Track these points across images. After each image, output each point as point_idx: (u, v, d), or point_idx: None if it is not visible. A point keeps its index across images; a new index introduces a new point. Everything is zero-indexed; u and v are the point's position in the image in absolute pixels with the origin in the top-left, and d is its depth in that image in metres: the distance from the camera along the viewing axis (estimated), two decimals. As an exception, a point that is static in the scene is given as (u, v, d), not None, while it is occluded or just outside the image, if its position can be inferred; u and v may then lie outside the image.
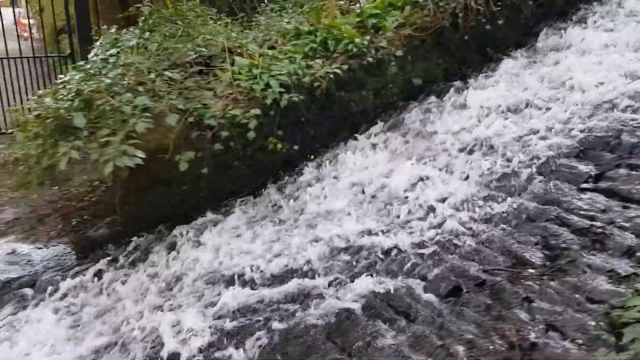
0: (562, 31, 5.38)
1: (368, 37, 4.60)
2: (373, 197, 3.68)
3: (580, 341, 2.16)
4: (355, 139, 4.48)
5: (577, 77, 4.36)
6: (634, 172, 3.17)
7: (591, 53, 4.79)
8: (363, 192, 3.81)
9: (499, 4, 5.00)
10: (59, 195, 5.55)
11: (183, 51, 4.11)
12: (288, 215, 3.80)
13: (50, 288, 3.78)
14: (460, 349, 2.36)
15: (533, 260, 2.81)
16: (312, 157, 4.47)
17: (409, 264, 3.02)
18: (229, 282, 3.32)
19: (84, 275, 3.84)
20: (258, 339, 2.70)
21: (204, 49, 4.27)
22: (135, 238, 4.15)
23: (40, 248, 4.48)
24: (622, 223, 2.82)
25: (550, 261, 2.76)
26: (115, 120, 3.25)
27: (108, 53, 4.24)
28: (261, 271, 3.32)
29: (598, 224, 2.87)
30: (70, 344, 3.26)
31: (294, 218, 3.75)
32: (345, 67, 4.41)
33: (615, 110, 3.78)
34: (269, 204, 4.06)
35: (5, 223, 5.05)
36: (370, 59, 4.51)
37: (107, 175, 3.11)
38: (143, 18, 4.57)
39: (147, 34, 4.34)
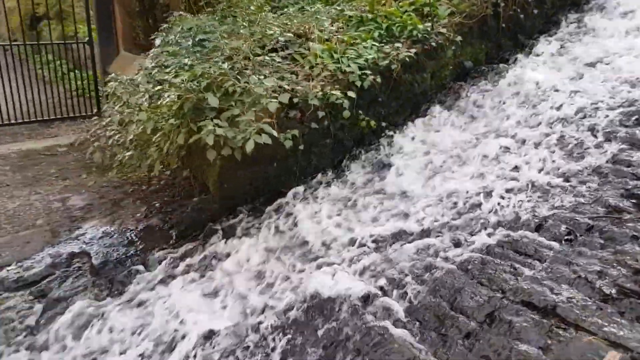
0: (580, 20, 6.08)
1: (429, 24, 5.09)
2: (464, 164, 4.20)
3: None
4: (425, 115, 4.97)
5: (610, 56, 5.04)
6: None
7: (614, 37, 5.50)
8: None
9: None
10: (120, 181, 5.76)
11: (274, 36, 4.44)
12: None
13: (165, 264, 4.06)
14: (594, 276, 2.92)
15: (627, 207, 3.40)
16: (384, 133, 4.92)
17: (519, 219, 3.55)
18: (352, 243, 3.75)
19: (197, 250, 4.14)
20: (411, 289, 3.15)
21: (288, 34, 4.61)
22: (232, 215, 4.47)
23: (131, 230, 4.70)
24: None
25: (642, 207, 3.36)
26: (246, 100, 3.58)
27: (197, 38, 4.50)
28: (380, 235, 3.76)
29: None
30: (211, 308, 3.59)
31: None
32: (413, 51, 4.87)
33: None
34: (359, 177, 4.49)
35: (79, 209, 5.22)
36: (434, 44, 4.99)
37: (249, 152, 3.44)
38: (219, 7, 4.84)
39: (229, 20, 4.64)
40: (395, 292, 3.22)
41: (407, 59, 4.74)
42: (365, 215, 3.98)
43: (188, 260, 4.02)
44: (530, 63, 5.37)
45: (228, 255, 3.92)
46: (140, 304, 3.70)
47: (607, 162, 3.88)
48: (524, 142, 4.31)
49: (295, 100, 4.12)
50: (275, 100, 3.67)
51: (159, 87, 3.82)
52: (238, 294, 3.57)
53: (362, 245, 3.67)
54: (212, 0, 5.63)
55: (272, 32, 4.52)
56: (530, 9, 5.83)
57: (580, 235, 3.30)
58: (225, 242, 4.09)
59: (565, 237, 3.34)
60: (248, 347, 3.06)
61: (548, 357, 2.60)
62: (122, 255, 4.31)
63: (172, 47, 4.62)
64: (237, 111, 3.57)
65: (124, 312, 3.55)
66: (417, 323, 3.00)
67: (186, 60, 4.07)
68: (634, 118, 4.19)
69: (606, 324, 2.66)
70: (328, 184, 4.46)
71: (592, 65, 5.10)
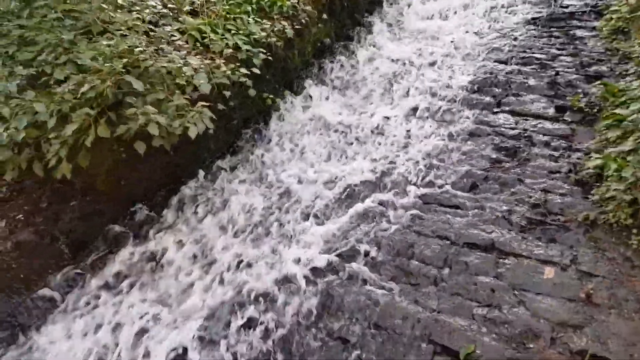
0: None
1: (294, 0, 5.24)
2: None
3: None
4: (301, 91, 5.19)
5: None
6: (519, 98, 4.98)
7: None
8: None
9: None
10: None
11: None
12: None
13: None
14: (507, 214, 3.68)
15: (504, 158, 4.28)
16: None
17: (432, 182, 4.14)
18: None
19: (108, 261, 3.61)
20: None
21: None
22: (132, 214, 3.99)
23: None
24: (530, 129, 4.54)
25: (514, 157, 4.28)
26: (168, 82, 3.22)
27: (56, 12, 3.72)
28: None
29: (513, 132, 4.51)
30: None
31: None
32: (288, 27, 4.98)
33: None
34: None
35: None
36: (303, 21, 5.19)
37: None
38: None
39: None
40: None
41: (285, 34, 4.83)
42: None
43: (104, 273, 3.46)
44: (373, 38, 6.13)
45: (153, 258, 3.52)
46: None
47: (469, 123, 4.74)
48: (406, 115, 4.93)
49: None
50: (206, 81, 3.37)
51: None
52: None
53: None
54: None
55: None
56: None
57: (481, 185, 4.04)
58: (139, 245, 3.64)
59: (470, 188, 4.03)
60: None
61: (504, 282, 3.22)
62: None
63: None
64: (162, 95, 3.17)
65: None
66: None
67: (65, 37, 3.33)
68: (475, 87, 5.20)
69: (533, 249, 3.41)
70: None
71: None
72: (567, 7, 6.64)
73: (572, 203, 3.73)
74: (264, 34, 4.73)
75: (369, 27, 6.46)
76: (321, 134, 4.80)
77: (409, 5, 6.94)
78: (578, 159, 4.14)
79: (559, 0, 6.83)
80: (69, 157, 3.08)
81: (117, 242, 3.72)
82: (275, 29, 4.89)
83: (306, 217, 3.93)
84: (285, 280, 3.39)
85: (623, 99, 4.45)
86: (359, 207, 3.88)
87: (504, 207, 3.78)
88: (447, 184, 4.09)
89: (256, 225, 3.88)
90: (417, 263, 3.45)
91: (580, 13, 6.52)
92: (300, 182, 4.25)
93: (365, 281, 3.36)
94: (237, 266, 3.55)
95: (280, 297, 3.28)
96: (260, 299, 3.29)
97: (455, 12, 6.80)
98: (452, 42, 6.05)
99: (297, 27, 5.22)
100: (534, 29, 6.24)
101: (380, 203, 3.94)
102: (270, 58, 4.70)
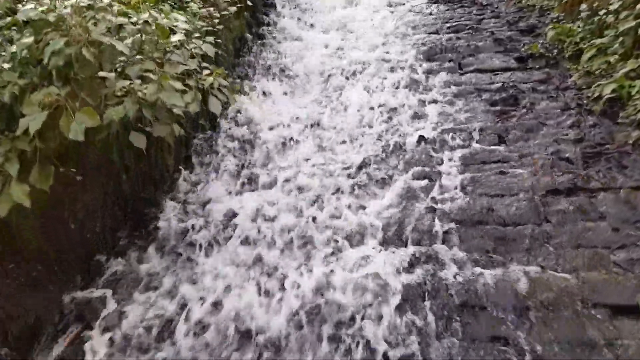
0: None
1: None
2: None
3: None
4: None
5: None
6: (476, 58, 4.72)
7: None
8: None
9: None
10: None
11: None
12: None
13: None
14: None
15: (508, 109, 3.89)
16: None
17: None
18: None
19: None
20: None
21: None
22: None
23: None
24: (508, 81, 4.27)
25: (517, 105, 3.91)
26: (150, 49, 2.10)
27: None
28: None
29: (495, 86, 4.20)
30: None
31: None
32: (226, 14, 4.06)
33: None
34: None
35: None
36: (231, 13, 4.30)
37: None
38: None
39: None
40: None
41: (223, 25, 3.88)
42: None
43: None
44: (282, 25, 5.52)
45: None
46: None
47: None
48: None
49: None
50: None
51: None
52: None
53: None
54: None
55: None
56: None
57: (507, 136, 3.56)
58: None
59: (500, 142, 3.53)
60: None
61: (616, 218, 2.71)
62: None
63: None
64: (151, 65, 2.03)
65: None
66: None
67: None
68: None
69: (616, 179, 2.98)
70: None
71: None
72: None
73: (609, 130, 3.43)
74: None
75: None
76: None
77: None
78: (575, 95, 3.93)
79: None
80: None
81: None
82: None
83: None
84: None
85: (581, 34, 4.42)
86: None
87: (550, 149, 3.33)
88: (472, 143, 3.52)
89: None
90: (511, 228, 2.76)
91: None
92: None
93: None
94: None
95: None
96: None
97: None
98: (372, 24, 5.65)
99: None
100: (442, 6, 6.20)
101: (423, 176, 3.18)
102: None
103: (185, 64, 2.27)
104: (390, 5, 6.36)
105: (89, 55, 1.83)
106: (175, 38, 2.29)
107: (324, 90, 4.52)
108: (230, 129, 3.84)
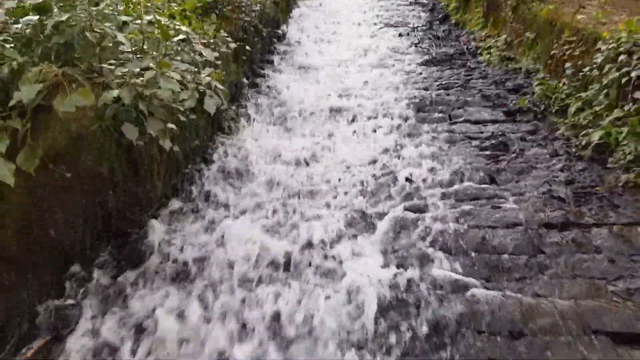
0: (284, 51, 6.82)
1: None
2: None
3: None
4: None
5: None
6: (465, 111, 4.86)
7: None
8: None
9: None
10: None
11: None
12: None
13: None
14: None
15: (498, 154, 3.95)
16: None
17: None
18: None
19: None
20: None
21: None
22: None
23: None
24: (497, 131, 4.37)
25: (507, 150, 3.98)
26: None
27: None
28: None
29: (484, 134, 4.29)
30: None
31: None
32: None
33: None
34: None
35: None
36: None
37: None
38: None
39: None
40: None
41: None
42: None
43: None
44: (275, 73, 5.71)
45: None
46: None
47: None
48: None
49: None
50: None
51: None
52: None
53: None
54: None
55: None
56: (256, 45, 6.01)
57: (499, 176, 3.59)
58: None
59: (492, 181, 3.55)
60: None
61: (612, 252, 2.68)
62: None
63: None
64: (151, 62, 2.04)
65: None
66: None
67: None
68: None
69: (609, 215, 2.98)
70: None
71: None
72: (444, 53, 7.10)
73: (599, 174, 3.49)
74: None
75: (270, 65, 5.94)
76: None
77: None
78: (564, 144, 4.03)
79: (432, 50, 7.30)
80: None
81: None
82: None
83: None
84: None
85: (567, 91, 4.60)
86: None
87: (542, 189, 3.35)
88: (466, 180, 3.53)
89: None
90: (506, 256, 2.71)
91: (458, 54, 7.03)
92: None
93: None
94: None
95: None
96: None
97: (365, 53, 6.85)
98: (365, 82, 5.84)
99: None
100: (432, 67, 6.45)
101: (417, 209, 3.15)
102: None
103: (184, 63, 2.30)
104: (383, 67, 6.60)
105: (91, 37, 1.85)
106: (177, 39, 2.34)
107: (317, 129, 4.59)
108: (222, 162, 3.84)
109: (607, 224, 2.92)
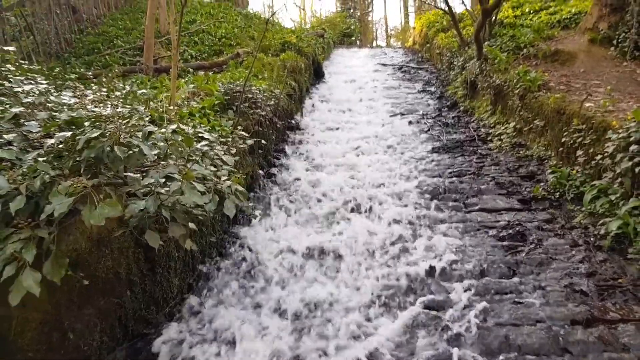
0: (298, 142, 7.04)
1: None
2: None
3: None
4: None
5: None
6: (480, 199, 4.93)
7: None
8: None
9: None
10: None
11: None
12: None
13: None
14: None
15: (517, 244, 3.98)
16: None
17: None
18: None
19: None
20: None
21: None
22: None
23: None
24: (514, 220, 4.42)
25: (525, 241, 4.01)
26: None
27: None
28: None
29: (501, 223, 4.34)
30: None
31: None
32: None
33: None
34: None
35: None
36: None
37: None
38: None
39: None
40: None
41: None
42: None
43: None
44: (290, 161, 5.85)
45: None
46: None
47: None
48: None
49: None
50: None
51: None
52: None
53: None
54: None
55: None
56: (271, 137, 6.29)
57: (518, 269, 3.58)
58: None
59: (513, 274, 3.54)
60: None
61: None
62: None
63: None
64: (174, 169, 2.17)
65: None
66: None
67: None
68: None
69: (635, 311, 2.94)
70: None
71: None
72: (454, 139, 7.31)
73: (620, 265, 3.48)
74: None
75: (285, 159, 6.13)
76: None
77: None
78: (582, 233, 4.04)
79: (443, 137, 7.52)
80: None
81: None
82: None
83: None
84: None
85: (581, 178, 4.69)
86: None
87: (563, 282, 3.34)
88: (486, 274, 3.53)
89: None
90: (532, 357, 2.65)
91: (468, 141, 7.22)
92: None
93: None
94: None
95: None
96: None
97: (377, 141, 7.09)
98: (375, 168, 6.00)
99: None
100: (443, 154, 6.62)
101: (434, 306, 3.14)
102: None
103: (205, 168, 2.43)
104: (395, 153, 6.79)
105: (119, 152, 1.99)
106: (199, 145, 2.48)
107: (330, 222, 4.66)
108: (238, 255, 3.90)
109: (633, 319, 2.88)
